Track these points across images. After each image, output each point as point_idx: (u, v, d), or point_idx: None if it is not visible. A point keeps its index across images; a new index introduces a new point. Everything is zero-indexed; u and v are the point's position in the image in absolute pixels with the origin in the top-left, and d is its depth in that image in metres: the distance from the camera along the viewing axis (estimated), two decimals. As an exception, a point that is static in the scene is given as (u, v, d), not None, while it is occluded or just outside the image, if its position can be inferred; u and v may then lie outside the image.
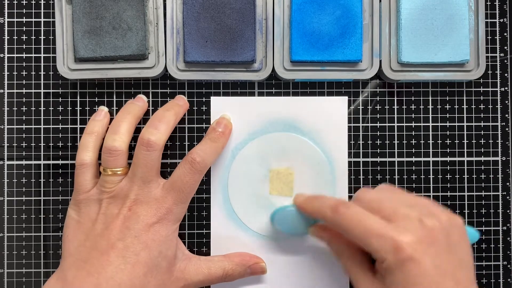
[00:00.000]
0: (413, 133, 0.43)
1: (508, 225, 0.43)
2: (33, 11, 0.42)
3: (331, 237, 0.38)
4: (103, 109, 0.41)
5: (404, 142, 0.43)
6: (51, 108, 0.42)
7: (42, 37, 0.42)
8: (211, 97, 0.42)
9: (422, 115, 0.43)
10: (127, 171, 0.39)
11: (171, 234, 0.37)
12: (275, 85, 0.43)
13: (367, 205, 0.35)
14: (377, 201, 0.35)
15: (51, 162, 0.42)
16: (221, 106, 0.42)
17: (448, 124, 0.43)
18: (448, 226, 0.33)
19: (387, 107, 0.43)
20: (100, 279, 0.35)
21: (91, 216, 0.38)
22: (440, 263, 0.32)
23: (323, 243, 0.39)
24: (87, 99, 0.42)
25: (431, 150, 0.43)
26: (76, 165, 0.39)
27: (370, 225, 0.33)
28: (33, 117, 0.42)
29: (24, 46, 0.42)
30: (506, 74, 0.44)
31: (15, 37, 0.42)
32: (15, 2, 0.42)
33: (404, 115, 0.43)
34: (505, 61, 0.44)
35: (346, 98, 0.43)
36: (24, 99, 0.42)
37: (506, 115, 0.44)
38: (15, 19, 0.42)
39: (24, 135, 0.42)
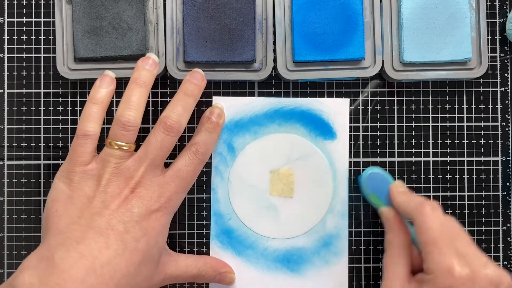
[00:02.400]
0: (413, 133, 0.43)
1: (508, 225, 0.43)
2: (33, 11, 0.42)
3: (394, 227, 0.38)
4: (109, 74, 0.38)
5: (404, 142, 0.43)
6: (51, 108, 0.42)
7: (42, 37, 0.42)
8: (213, 97, 0.42)
9: (422, 115, 0.43)
10: (134, 148, 0.36)
11: (167, 225, 0.37)
12: (275, 85, 0.43)
13: (448, 227, 0.35)
14: (456, 233, 0.35)
15: (51, 162, 0.42)
16: (222, 106, 0.42)
17: (448, 124, 0.43)
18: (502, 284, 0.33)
19: (387, 107, 0.43)
20: (95, 264, 0.32)
21: (87, 192, 0.35)
22: None
23: (384, 226, 0.39)
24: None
25: (431, 150, 0.43)
26: (77, 134, 0.36)
27: (442, 239, 0.33)
28: (33, 117, 0.42)
29: (24, 46, 0.42)
30: (506, 74, 0.43)
31: (15, 37, 0.42)
32: (15, 2, 0.42)
33: (404, 115, 0.43)
34: (505, 61, 0.44)
35: (348, 100, 0.43)
36: (24, 99, 0.42)
37: (506, 115, 0.43)
38: (15, 19, 0.42)
39: (24, 135, 0.42)
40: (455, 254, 0.33)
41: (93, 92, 0.37)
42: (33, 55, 0.42)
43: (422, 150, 0.43)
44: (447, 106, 0.43)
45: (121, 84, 0.42)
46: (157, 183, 0.36)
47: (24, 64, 0.42)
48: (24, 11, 0.42)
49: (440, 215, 0.35)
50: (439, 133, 0.43)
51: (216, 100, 0.42)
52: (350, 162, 0.43)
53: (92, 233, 0.33)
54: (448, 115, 0.43)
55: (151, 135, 0.37)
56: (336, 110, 0.42)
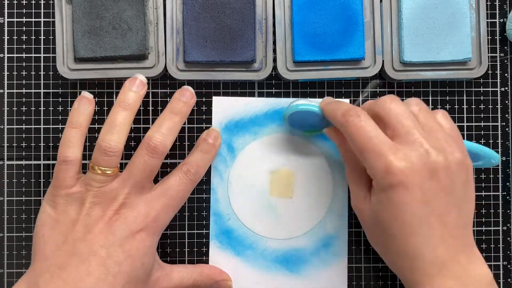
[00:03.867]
0: (413, 133, 0.43)
1: (508, 225, 0.43)
2: (33, 11, 0.42)
3: (342, 142, 0.37)
4: (87, 96, 0.37)
5: (404, 142, 0.43)
6: (51, 108, 0.42)
7: (42, 37, 0.42)
8: (213, 97, 0.42)
9: (422, 115, 0.43)
10: (117, 171, 0.36)
11: (153, 245, 0.36)
12: (275, 85, 0.43)
13: (384, 114, 0.33)
14: (396, 115, 0.33)
15: (51, 162, 0.42)
16: (222, 106, 0.42)
17: (448, 124, 0.43)
18: (455, 167, 0.32)
19: (387, 107, 0.43)
20: None
21: (71, 215, 0.35)
22: (431, 199, 0.31)
23: (336, 144, 0.38)
24: (87, 99, 0.42)
25: (431, 150, 0.43)
26: (58, 159, 0.36)
27: (372, 140, 0.32)
28: (33, 117, 0.42)
29: (24, 46, 0.42)
30: (506, 74, 0.43)
31: (15, 37, 0.42)
32: (15, 2, 0.42)
33: (404, 115, 0.43)
34: (505, 61, 0.44)
35: (348, 100, 0.43)
36: (24, 99, 0.42)
37: (506, 115, 0.43)
38: (15, 19, 0.42)
39: (24, 135, 0.42)
40: (389, 149, 0.31)
41: (71, 115, 0.36)
42: (33, 55, 0.42)
43: (422, 150, 0.43)
44: (447, 106, 0.43)
45: (121, 84, 0.42)
46: (144, 201, 0.36)
47: (24, 64, 0.42)
48: (24, 11, 0.42)
49: (365, 118, 0.33)
50: (439, 133, 0.43)
51: (216, 100, 0.42)
52: (350, 162, 0.43)
53: (74, 259, 0.33)
54: (448, 115, 0.43)
55: (135, 156, 0.36)
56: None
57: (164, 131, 0.36)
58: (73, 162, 0.36)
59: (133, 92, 0.37)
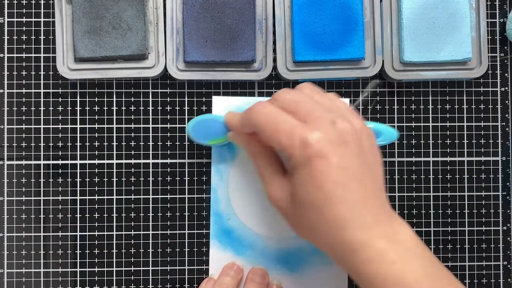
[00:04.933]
0: (413, 133, 0.43)
1: (508, 225, 0.43)
2: (33, 11, 0.42)
3: (248, 140, 0.37)
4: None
5: (404, 142, 0.43)
6: (51, 108, 0.42)
7: (42, 37, 0.42)
8: (213, 97, 0.42)
9: (422, 115, 0.43)
10: None
11: None
12: (275, 85, 0.43)
13: (284, 105, 0.34)
14: (294, 102, 0.34)
15: (51, 162, 0.42)
16: (222, 106, 0.42)
17: (448, 124, 0.43)
18: (360, 132, 0.33)
19: (387, 107, 0.43)
20: None
21: None
22: (347, 165, 0.32)
23: (242, 146, 0.38)
24: (87, 99, 0.42)
25: (431, 150, 0.43)
26: None
27: (282, 123, 0.33)
28: (33, 117, 0.42)
29: (24, 46, 0.42)
30: (506, 74, 0.43)
31: (15, 37, 0.42)
32: (15, 2, 0.42)
33: (404, 115, 0.43)
34: (505, 61, 0.44)
35: (347, 100, 0.43)
36: (24, 99, 0.42)
37: (506, 115, 0.43)
38: (15, 19, 0.42)
39: (24, 135, 0.42)
40: (300, 127, 0.32)
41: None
42: (33, 55, 0.42)
43: (422, 150, 0.43)
44: (447, 106, 0.43)
45: (121, 84, 0.42)
46: None
47: (24, 64, 0.42)
48: (24, 11, 0.42)
49: (271, 106, 0.34)
50: (439, 133, 0.43)
51: (216, 100, 0.42)
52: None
53: None
54: (448, 115, 0.43)
55: None
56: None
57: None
58: None
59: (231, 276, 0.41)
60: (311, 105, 0.34)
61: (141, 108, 0.42)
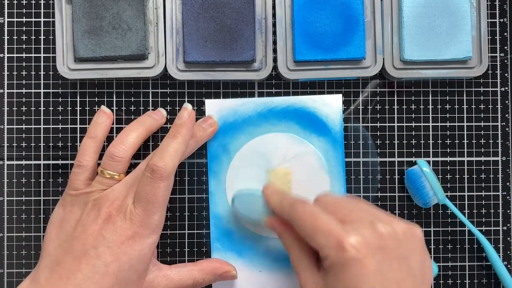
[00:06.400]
0: (413, 133, 0.43)
1: (508, 225, 0.43)
2: (33, 11, 0.42)
3: (284, 230, 0.37)
4: (105, 111, 0.41)
5: (404, 142, 0.43)
6: (51, 108, 0.42)
7: (42, 37, 0.42)
8: (205, 100, 0.42)
9: (422, 115, 0.43)
10: (123, 177, 0.39)
11: (145, 248, 0.36)
12: (275, 85, 0.43)
13: (325, 205, 0.34)
14: (335, 204, 0.35)
15: (51, 162, 0.42)
16: (215, 108, 0.42)
17: (448, 124, 0.43)
18: (402, 235, 0.32)
19: (387, 107, 0.43)
20: (69, 285, 0.34)
21: (76, 215, 0.37)
22: (385, 270, 0.31)
23: (275, 234, 0.38)
24: (87, 99, 0.42)
25: (431, 150, 0.43)
26: (74, 164, 0.39)
27: (320, 221, 0.33)
28: (33, 117, 0.42)
29: (24, 46, 0.42)
30: (506, 74, 0.43)
31: (15, 37, 0.42)
32: (15, 2, 0.42)
33: (404, 115, 0.43)
34: (505, 61, 0.44)
35: (340, 95, 0.43)
36: (24, 99, 0.42)
37: (506, 115, 0.43)
38: (15, 19, 0.42)
39: (24, 135, 0.42)
40: (338, 228, 0.32)
41: (90, 127, 0.40)
42: (33, 55, 0.42)
43: (422, 150, 0.43)
44: (447, 106, 0.43)
45: (121, 84, 0.42)
46: (129, 211, 0.37)
47: (24, 64, 0.42)
48: (24, 11, 0.42)
49: (311, 205, 0.34)
50: (439, 133, 0.43)
51: (209, 103, 0.42)
52: (350, 162, 0.43)
53: (69, 256, 0.36)
54: (448, 115, 0.43)
55: (141, 179, 0.37)
56: (329, 107, 0.42)
57: (170, 153, 0.37)
58: (86, 167, 0.39)
59: (153, 118, 0.41)
60: (351, 205, 0.34)
61: (141, 108, 0.42)
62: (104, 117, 0.40)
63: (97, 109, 0.41)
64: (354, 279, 0.31)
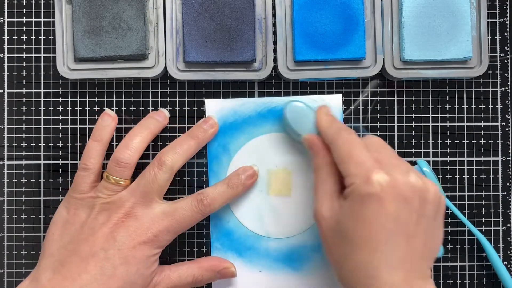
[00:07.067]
0: (413, 133, 0.43)
1: (508, 225, 0.43)
2: (33, 11, 0.42)
3: (320, 150, 0.37)
4: (110, 113, 0.41)
5: (404, 142, 0.43)
6: (51, 108, 0.42)
7: (42, 37, 0.42)
8: (205, 100, 0.42)
9: (422, 115, 0.43)
10: (129, 183, 0.39)
11: (153, 255, 0.37)
12: (275, 85, 0.43)
13: (371, 144, 0.35)
14: (380, 146, 0.35)
15: (51, 162, 0.42)
16: (215, 108, 0.42)
17: (448, 124, 0.43)
18: (431, 196, 0.32)
19: (387, 107, 0.43)
20: (74, 286, 0.34)
21: (81, 218, 0.38)
22: (402, 219, 0.31)
23: (310, 153, 0.38)
24: (87, 99, 0.42)
25: (431, 150, 0.43)
26: (78, 167, 0.39)
27: (358, 152, 0.33)
28: (33, 117, 0.42)
29: (24, 46, 0.42)
30: (506, 74, 0.43)
31: (15, 37, 0.42)
32: (15, 2, 0.42)
33: (404, 115, 0.43)
34: (505, 61, 0.44)
35: (340, 95, 0.43)
36: (24, 99, 0.42)
37: (506, 115, 0.43)
38: (15, 19, 0.42)
39: (24, 135, 0.42)
40: (372, 164, 0.32)
41: (94, 129, 0.40)
42: (33, 55, 0.42)
43: (422, 150, 0.43)
44: (447, 106, 0.43)
45: (121, 84, 0.42)
46: (149, 217, 0.37)
47: (24, 64, 0.42)
48: (24, 11, 0.42)
49: (357, 137, 0.35)
50: (439, 133, 0.43)
51: (209, 103, 0.42)
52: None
53: (75, 258, 0.36)
54: (448, 115, 0.43)
55: (145, 169, 0.39)
56: (329, 107, 0.42)
57: (177, 150, 0.39)
58: (91, 171, 0.39)
59: (156, 120, 0.41)
60: (394, 154, 0.34)
61: (141, 108, 0.42)
62: (109, 120, 0.40)
63: (97, 109, 0.41)
64: (369, 214, 0.31)
